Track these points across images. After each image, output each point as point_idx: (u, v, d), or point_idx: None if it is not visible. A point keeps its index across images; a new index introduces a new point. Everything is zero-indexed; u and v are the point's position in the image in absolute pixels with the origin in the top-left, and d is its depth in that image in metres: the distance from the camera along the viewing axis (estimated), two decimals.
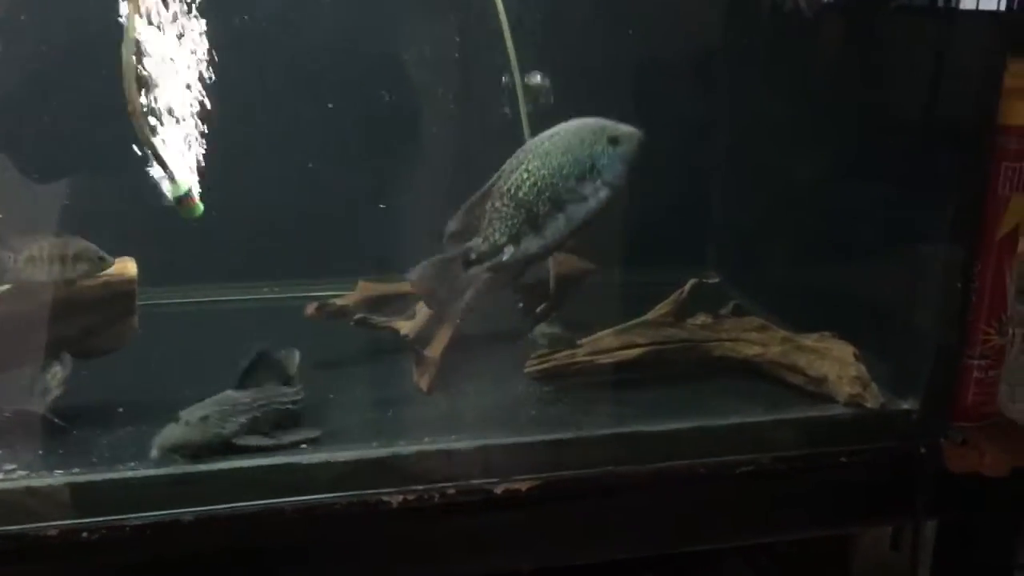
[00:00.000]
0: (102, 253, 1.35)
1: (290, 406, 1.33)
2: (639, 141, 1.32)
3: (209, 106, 1.39)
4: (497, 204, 1.32)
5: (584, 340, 1.56)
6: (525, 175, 1.31)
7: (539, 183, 1.31)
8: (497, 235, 1.32)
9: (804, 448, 1.42)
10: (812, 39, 1.69)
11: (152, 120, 1.32)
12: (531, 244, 1.33)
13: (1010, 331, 1.48)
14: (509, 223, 1.32)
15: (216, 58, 1.41)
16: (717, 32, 1.95)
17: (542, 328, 1.63)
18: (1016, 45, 1.36)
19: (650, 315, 1.58)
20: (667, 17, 1.85)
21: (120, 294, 1.37)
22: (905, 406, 1.47)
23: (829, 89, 1.65)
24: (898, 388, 1.49)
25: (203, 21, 1.37)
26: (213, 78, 1.40)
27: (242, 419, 1.25)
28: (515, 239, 1.32)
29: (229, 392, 1.30)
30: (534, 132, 1.53)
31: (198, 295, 1.84)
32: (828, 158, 1.67)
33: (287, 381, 1.36)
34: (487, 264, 1.34)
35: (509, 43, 1.62)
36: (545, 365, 1.54)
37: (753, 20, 1.86)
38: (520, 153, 1.33)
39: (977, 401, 1.48)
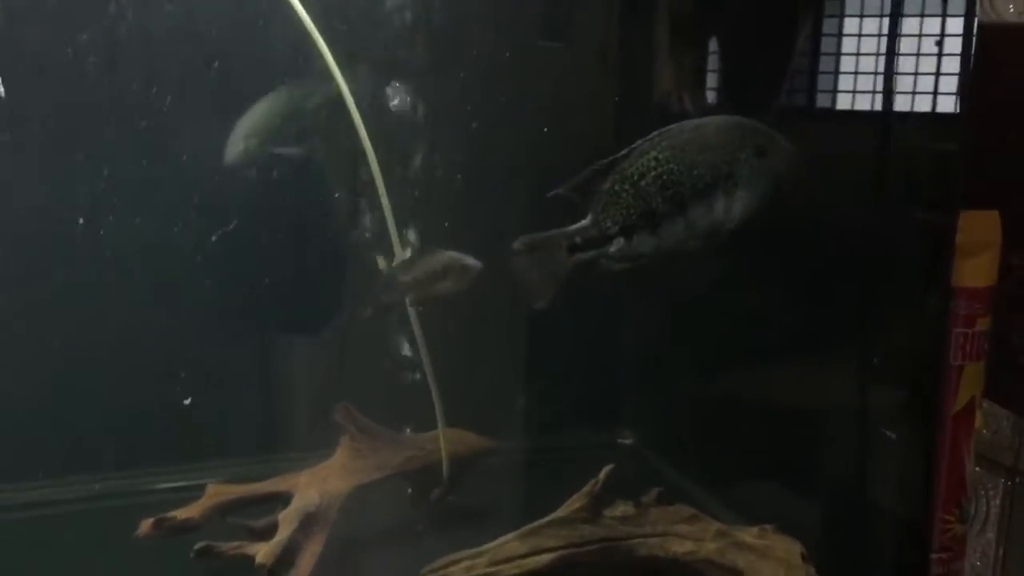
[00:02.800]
0: (465, 260, 1.26)
1: None
2: (792, 158, 1.12)
3: None
4: (616, 187, 1.14)
5: (486, 546, 1.30)
6: (652, 163, 1.13)
7: (664, 177, 1.12)
8: (609, 222, 1.14)
9: None
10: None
11: None
12: (644, 243, 1.15)
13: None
14: (624, 212, 1.14)
15: None
16: None
17: None
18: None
19: (561, 511, 1.34)
20: None
21: None
22: None
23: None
24: None
25: None
26: None
27: None
28: (627, 232, 1.14)
29: None
30: None
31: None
32: (761, 313, 1.49)
33: None
34: (592, 253, 1.15)
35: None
36: None
37: None
38: (656, 135, 1.14)
39: None
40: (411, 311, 1.41)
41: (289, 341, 1.60)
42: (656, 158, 1.13)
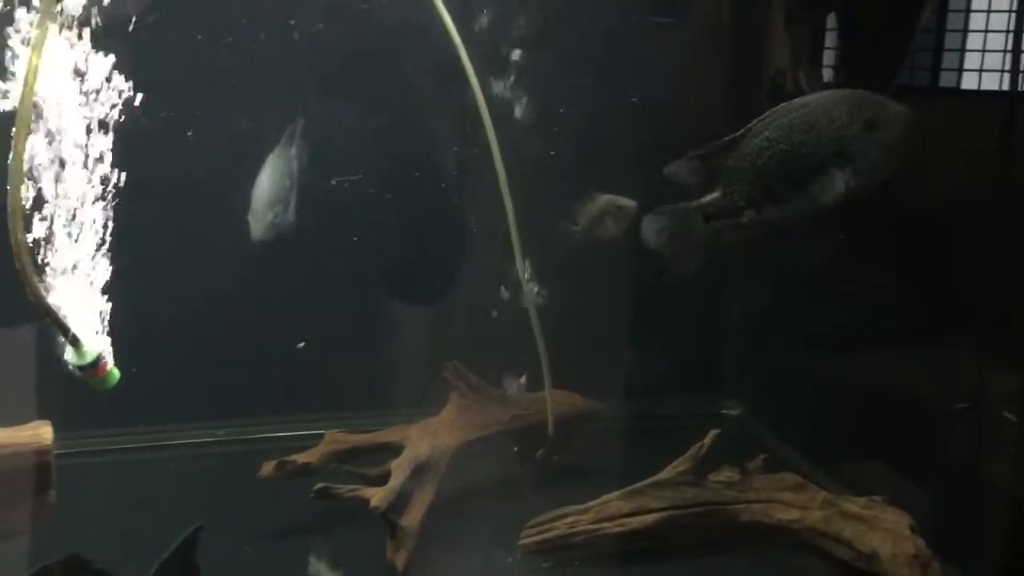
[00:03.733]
0: (621, 201, 1.34)
1: None
2: (906, 125, 1.11)
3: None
4: (738, 164, 1.17)
5: (590, 504, 1.33)
6: (765, 144, 1.15)
7: (777, 157, 1.14)
8: (736, 196, 1.18)
9: None
10: None
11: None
12: (771, 213, 1.18)
13: None
14: (748, 188, 1.17)
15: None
16: None
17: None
18: None
19: (665, 473, 1.35)
20: None
21: (30, 468, 1.13)
22: None
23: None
24: (956, 558, 1.26)
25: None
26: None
27: None
28: (754, 204, 1.17)
29: None
30: None
31: (135, 440, 1.59)
32: (874, 289, 1.47)
33: None
34: (727, 222, 1.19)
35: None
36: (544, 535, 1.31)
37: None
38: (768, 115, 1.15)
39: None
40: (522, 275, 1.43)
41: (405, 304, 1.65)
42: (768, 138, 1.14)
